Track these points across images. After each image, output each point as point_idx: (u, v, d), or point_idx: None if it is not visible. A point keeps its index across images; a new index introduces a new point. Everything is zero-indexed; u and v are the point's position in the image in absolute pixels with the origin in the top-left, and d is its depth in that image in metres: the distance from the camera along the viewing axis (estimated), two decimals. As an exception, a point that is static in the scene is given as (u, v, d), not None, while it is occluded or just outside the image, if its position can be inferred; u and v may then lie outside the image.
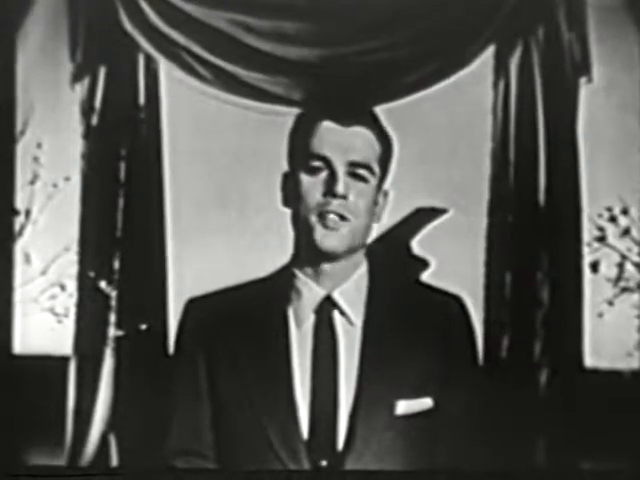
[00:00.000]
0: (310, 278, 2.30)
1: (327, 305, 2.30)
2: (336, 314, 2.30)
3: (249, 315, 2.32)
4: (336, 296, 2.30)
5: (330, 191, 2.24)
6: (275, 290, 2.34)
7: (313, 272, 2.30)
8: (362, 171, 2.28)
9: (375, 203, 2.33)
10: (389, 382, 2.26)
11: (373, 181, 2.30)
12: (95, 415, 2.64)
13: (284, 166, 2.38)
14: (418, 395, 2.27)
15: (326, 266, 2.29)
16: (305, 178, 2.28)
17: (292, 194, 2.31)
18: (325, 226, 2.24)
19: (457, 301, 2.37)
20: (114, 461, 2.64)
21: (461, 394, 2.30)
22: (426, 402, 2.27)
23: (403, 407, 2.25)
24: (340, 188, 2.24)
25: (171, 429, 2.29)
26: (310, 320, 2.29)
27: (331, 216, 2.24)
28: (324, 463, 2.24)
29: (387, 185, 2.40)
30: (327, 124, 2.29)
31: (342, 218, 2.25)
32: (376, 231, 2.57)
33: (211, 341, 2.30)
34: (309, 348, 2.28)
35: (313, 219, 2.26)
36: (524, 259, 2.63)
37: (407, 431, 2.25)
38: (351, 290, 2.31)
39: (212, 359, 2.29)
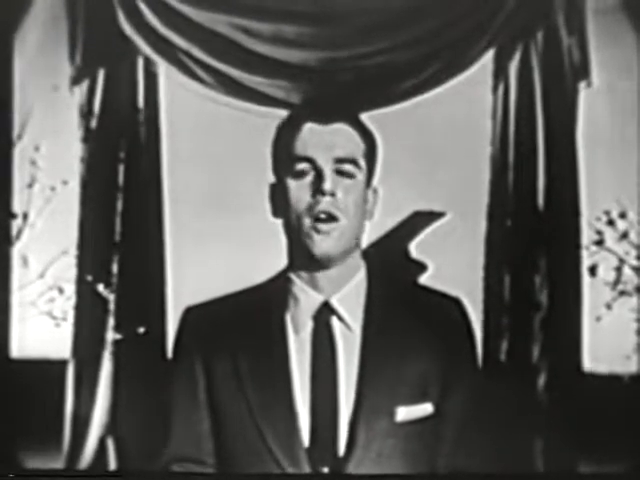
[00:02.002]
0: (307, 284, 2.29)
1: (325, 311, 2.29)
2: (334, 320, 2.29)
3: (247, 322, 2.31)
4: (334, 302, 2.29)
5: (318, 189, 2.23)
6: (272, 297, 2.32)
7: (310, 278, 2.29)
8: (348, 166, 2.27)
9: (365, 200, 2.32)
10: (389, 388, 2.25)
11: (360, 176, 2.29)
12: (93, 418, 2.64)
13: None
14: (418, 401, 2.26)
15: (322, 272, 2.28)
16: (292, 183, 2.27)
17: (281, 203, 2.30)
18: (317, 231, 2.23)
19: (456, 304, 2.36)
20: (112, 464, 2.63)
21: (462, 398, 2.29)
22: (426, 408, 2.27)
23: (403, 413, 2.25)
24: (327, 185, 2.23)
25: (170, 437, 2.29)
26: (308, 326, 2.29)
27: (322, 216, 2.23)
28: (325, 470, 2.23)
29: (376, 182, 2.38)
30: (308, 126, 2.28)
31: (332, 218, 2.24)
32: (374, 234, 2.58)
33: (209, 349, 2.29)
34: (308, 354, 2.27)
35: (306, 223, 2.25)
36: (523, 263, 2.63)
37: (408, 437, 2.25)
38: (349, 296, 2.30)
39: (211, 367, 2.28)
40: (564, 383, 2.61)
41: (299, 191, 2.25)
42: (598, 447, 2.57)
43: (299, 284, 2.29)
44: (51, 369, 2.63)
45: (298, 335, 2.28)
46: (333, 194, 2.23)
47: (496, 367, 2.61)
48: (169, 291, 2.66)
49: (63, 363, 2.64)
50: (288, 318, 2.29)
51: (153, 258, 2.67)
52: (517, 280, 2.64)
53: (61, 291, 2.65)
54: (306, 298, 2.29)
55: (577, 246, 2.63)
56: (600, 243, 2.63)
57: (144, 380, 2.61)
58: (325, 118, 2.27)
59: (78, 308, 2.66)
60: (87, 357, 2.65)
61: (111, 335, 2.65)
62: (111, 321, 2.65)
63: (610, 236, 2.63)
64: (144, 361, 2.63)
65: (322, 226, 2.23)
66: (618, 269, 2.63)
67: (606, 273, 2.63)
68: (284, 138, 2.30)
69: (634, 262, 2.62)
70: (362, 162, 2.29)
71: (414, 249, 2.64)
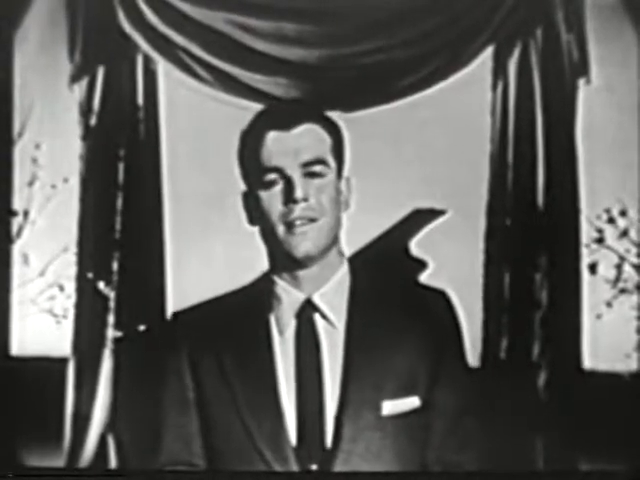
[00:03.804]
0: (289, 283, 2.29)
1: (308, 309, 2.29)
2: (317, 317, 2.29)
3: (232, 325, 2.32)
4: (316, 299, 2.29)
5: (290, 198, 2.23)
6: (256, 298, 2.33)
7: (291, 278, 2.29)
8: (317, 167, 2.26)
9: (339, 193, 2.31)
10: (374, 382, 2.25)
11: (330, 174, 2.28)
12: (94, 416, 2.64)
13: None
14: (405, 394, 2.26)
15: (304, 271, 2.28)
16: (263, 194, 2.26)
17: (255, 212, 2.30)
18: (294, 234, 2.23)
19: (442, 296, 2.36)
20: (113, 462, 2.63)
21: (449, 391, 2.29)
22: (413, 401, 2.26)
23: (389, 407, 2.24)
24: (299, 193, 2.22)
25: (161, 442, 2.29)
26: (292, 325, 2.29)
27: (298, 222, 2.23)
28: (314, 467, 2.23)
29: (346, 172, 2.37)
30: (271, 134, 2.27)
31: (310, 220, 2.24)
32: (373, 232, 2.58)
33: (197, 353, 2.30)
34: (292, 353, 2.28)
35: (280, 230, 2.25)
36: (522, 261, 2.63)
37: (395, 431, 2.24)
38: (331, 292, 2.29)
39: (198, 371, 2.29)
40: (564, 381, 2.61)
41: (271, 201, 2.25)
42: (598, 445, 2.56)
43: (281, 284, 2.29)
44: (51, 367, 2.63)
45: (282, 335, 2.29)
46: (306, 199, 2.23)
47: (496, 365, 2.60)
48: (169, 289, 2.66)
49: (63, 361, 2.64)
50: (272, 319, 2.30)
51: (153, 256, 2.67)
52: (517, 278, 2.63)
53: (62, 289, 2.66)
54: (288, 297, 2.29)
55: (577, 244, 2.62)
56: (600, 241, 2.63)
57: (144, 377, 2.60)
58: (287, 123, 2.26)
59: (78, 306, 2.66)
60: (87, 355, 2.66)
61: (111, 333, 2.65)
62: (111, 319, 2.66)
63: (610, 234, 2.63)
64: (144, 359, 2.63)
65: (298, 228, 2.23)
66: (618, 267, 2.62)
67: (606, 271, 2.63)
68: (249, 148, 2.30)
69: (634, 260, 2.62)
70: (330, 159, 2.28)
71: (414, 247, 2.64)
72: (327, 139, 2.29)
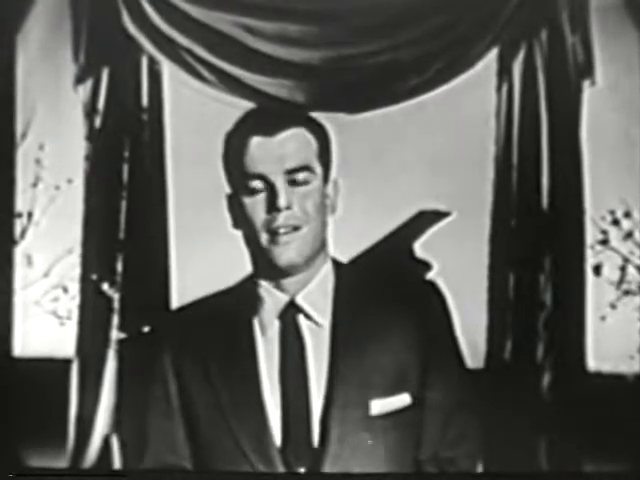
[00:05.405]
0: (272, 285, 2.29)
1: (291, 310, 2.29)
2: (301, 318, 2.29)
3: (216, 327, 2.32)
4: (299, 300, 2.29)
5: (273, 206, 2.22)
6: (240, 300, 2.33)
7: (275, 281, 2.29)
8: (302, 175, 2.25)
9: (325, 197, 2.30)
10: (362, 381, 2.24)
11: (316, 180, 2.28)
12: (97, 417, 2.64)
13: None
14: (395, 392, 2.25)
15: (288, 279, 2.28)
16: (247, 200, 2.26)
17: (239, 216, 2.29)
18: (277, 243, 2.23)
19: (431, 286, 2.36)
20: (117, 463, 2.63)
21: (442, 385, 2.28)
22: (404, 399, 2.25)
23: (378, 406, 2.23)
24: (282, 202, 2.21)
25: (147, 447, 2.29)
26: (275, 326, 2.29)
27: (282, 230, 2.22)
28: (302, 469, 2.23)
29: (334, 175, 2.37)
30: (256, 140, 2.26)
31: (294, 228, 2.23)
32: (378, 233, 2.57)
33: (181, 356, 2.30)
34: (276, 354, 2.27)
35: (264, 238, 2.24)
36: (527, 262, 2.63)
37: (386, 430, 2.23)
38: (315, 292, 2.29)
39: (182, 374, 2.29)
40: (568, 382, 2.61)
41: (254, 207, 2.25)
42: (602, 446, 2.56)
43: (265, 285, 2.29)
44: (55, 368, 2.63)
45: (265, 336, 2.28)
46: (289, 207, 2.22)
47: (500, 366, 2.60)
48: (173, 290, 2.66)
49: (67, 362, 2.65)
50: (255, 320, 2.30)
51: (157, 257, 2.67)
52: (521, 279, 2.63)
53: (65, 290, 2.65)
54: (271, 299, 2.29)
55: (582, 245, 2.62)
56: (605, 242, 2.62)
57: (148, 378, 2.60)
58: (271, 129, 2.25)
59: (82, 307, 2.66)
60: (91, 356, 2.66)
61: (115, 334, 2.65)
62: (115, 320, 2.65)
63: (615, 235, 2.63)
64: (148, 360, 2.63)
65: (282, 237, 2.22)
66: (623, 268, 2.62)
67: (611, 272, 2.63)
68: (233, 152, 2.29)
69: (639, 261, 2.62)
70: (316, 165, 2.27)
71: (419, 248, 2.64)
72: (313, 143, 2.28)
